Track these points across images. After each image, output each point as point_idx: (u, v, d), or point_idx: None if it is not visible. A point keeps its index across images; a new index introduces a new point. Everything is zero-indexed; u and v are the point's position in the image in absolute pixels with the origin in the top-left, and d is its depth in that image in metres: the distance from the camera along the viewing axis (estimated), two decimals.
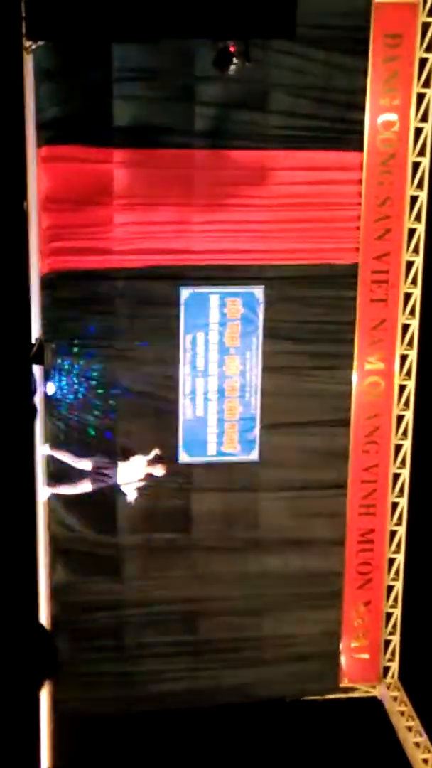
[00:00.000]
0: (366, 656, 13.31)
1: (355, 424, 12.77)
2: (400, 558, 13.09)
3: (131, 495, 11.78)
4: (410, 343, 12.63)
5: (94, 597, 12.56)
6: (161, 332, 12.22)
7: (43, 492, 11.96)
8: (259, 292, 12.31)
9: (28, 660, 5.23)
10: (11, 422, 7.53)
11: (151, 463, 11.74)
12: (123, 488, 11.79)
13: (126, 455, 11.78)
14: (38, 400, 11.55)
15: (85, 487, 11.79)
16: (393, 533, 13.08)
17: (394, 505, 13.02)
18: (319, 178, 12.11)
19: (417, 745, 12.60)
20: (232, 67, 10.10)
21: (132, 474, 11.71)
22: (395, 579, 13.16)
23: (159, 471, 11.75)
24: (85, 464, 11.76)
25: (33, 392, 10.71)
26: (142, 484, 11.78)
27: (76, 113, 11.44)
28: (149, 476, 11.77)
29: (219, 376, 12.47)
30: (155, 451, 11.75)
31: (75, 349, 11.96)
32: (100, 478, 11.71)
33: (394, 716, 13.07)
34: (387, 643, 13.33)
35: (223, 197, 11.98)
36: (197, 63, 11.35)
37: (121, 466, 11.71)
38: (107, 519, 12.34)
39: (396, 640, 13.30)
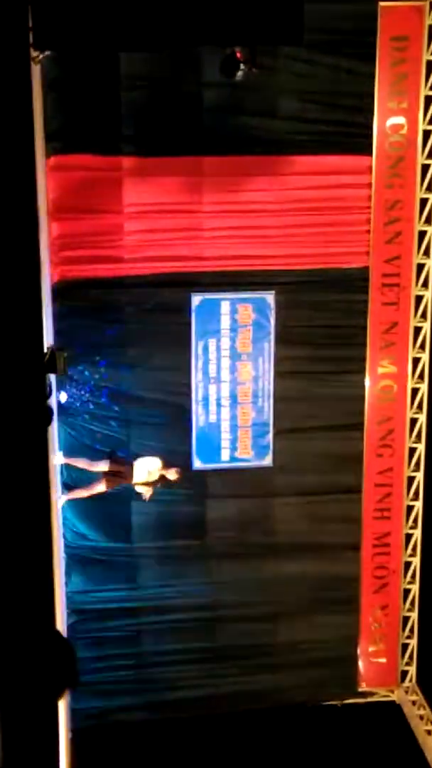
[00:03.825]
0: (383, 660, 13.28)
1: (369, 428, 12.75)
2: (416, 561, 13.06)
3: (147, 494, 11.68)
4: (422, 346, 12.61)
5: (110, 605, 12.56)
6: (173, 339, 12.23)
7: (58, 499, 11.97)
8: (270, 297, 12.31)
9: (48, 669, 5.22)
10: (26, 430, 7.53)
11: (165, 466, 11.71)
12: (137, 488, 11.72)
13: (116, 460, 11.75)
14: (52, 403, 11.54)
15: (99, 488, 11.74)
16: (408, 536, 13.05)
17: (409, 509, 12.98)
18: (329, 183, 12.12)
19: None
20: (239, 73, 10.10)
21: (146, 474, 11.65)
22: (412, 582, 13.13)
23: (172, 475, 11.70)
24: (102, 467, 11.72)
25: (48, 395, 10.72)
26: (156, 485, 11.73)
27: (84, 122, 11.46)
28: (163, 479, 11.73)
29: (231, 382, 12.47)
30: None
31: (87, 357, 11.97)
32: (115, 480, 11.67)
33: (413, 720, 13.02)
34: (404, 646, 13.29)
35: (232, 203, 11.99)
36: (204, 70, 11.37)
37: (137, 467, 11.65)
38: (122, 527, 12.35)
39: (413, 643, 13.26)
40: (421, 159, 12.19)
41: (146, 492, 11.67)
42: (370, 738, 12.41)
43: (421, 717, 12.97)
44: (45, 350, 11.21)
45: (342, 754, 12.11)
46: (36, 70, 11.08)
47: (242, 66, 10.04)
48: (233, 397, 12.50)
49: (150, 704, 12.76)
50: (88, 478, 11.86)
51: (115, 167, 11.67)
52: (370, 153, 12.11)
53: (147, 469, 11.65)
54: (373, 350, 12.57)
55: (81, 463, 11.87)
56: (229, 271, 12.17)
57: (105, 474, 11.69)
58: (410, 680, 13.32)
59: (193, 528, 12.58)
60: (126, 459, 11.76)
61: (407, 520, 13.00)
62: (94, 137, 11.53)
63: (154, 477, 11.67)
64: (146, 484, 11.65)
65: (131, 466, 11.61)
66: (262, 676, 12.97)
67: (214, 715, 12.73)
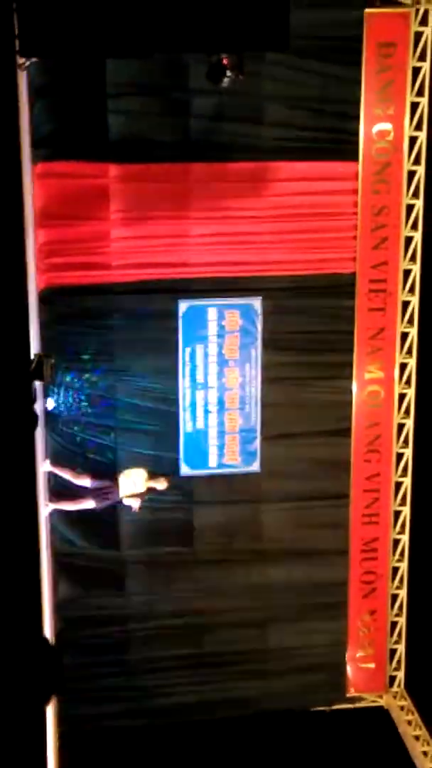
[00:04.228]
0: (372, 666, 13.28)
1: (356, 433, 12.76)
2: (404, 566, 13.07)
3: (134, 505, 11.73)
4: (409, 352, 12.64)
5: (98, 612, 12.54)
6: (160, 345, 12.22)
7: (45, 507, 11.96)
8: (257, 303, 12.31)
9: (35, 675, 5.21)
10: (12, 437, 7.54)
11: (152, 477, 11.74)
12: (125, 501, 11.76)
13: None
14: (39, 410, 11.53)
15: (88, 504, 11.78)
16: (396, 542, 13.07)
17: (397, 514, 13.00)
18: (315, 189, 12.12)
19: (425, 754, 12.58)
20: (226, 79, 10.12)
21: (133, 487, 11.69)
22: (399, 587, 13.14)
23: (161, 485, 11.75)
24: (85, 481, 11.74)
25: (33, 401, 10.71)
26: (144, 496, 11.76)
27: (71, 129, 11.46)
28: (151, 490, 11.76)
29: (219, 389, 12.47)
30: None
31: (74, 364, 11.96)
32: (103, 497, 11.71)
33: (402, 725, 13.04)
34: (393, 652, 13.30)
35: (219, 210, 11.99)
36: (191, 76, 11.38)
37: (122, 480, 11.69)
38: (109, 534, 12.33)
39: (402, 648, 13.27)
40: (407, 165, 12.22)
41: (135, 504, 11.70)
42: (358, 743, 12.40)
43: (410, 722, 12.98)
44: (32, 357, 11.22)
45: (331, 760, 12.12)
46: (22, 77, 11.10)
47: (229, 73, 10.05)
48: (221, 403, 12.50)
49: (139, 711, 12.73)
50: (76, 489, 11.85)
51: (102, 174, 11.67)
52: (356, 159, 12.13)
53: (133, 481, 11.67)
54: (360, 356, 12.59)
55: (66, 473, 11.87)
56: (216, 277, 12.17)
57: (92, 491, 11.71)
58: (398, 685, 13.33)
59: (181, 534, 12.56)
60: (109, 477, 11.75)
61: (395, 525, 13.02)
62: (81, 144, 11.53)
63: (142, 488, 11.70)
64: (134, 495, 11.68)
65: (116, 481, 11.64)
66: (250, 682, 12.96)
67: (202, 722, 12.71)
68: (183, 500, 12.51)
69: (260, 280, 12.26)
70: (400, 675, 13.33)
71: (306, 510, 12.78)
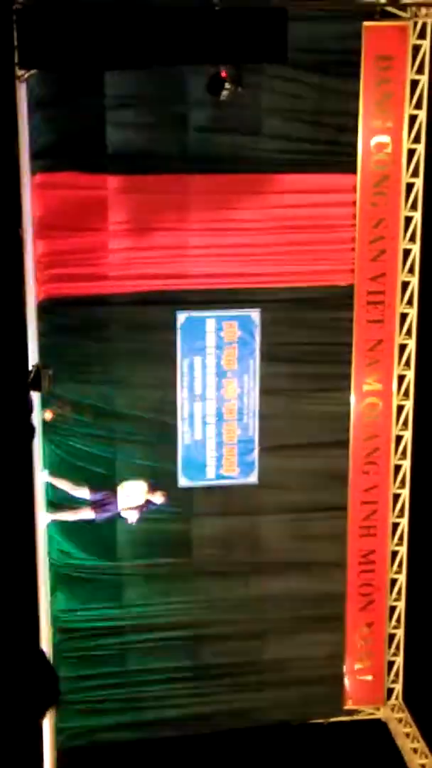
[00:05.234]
0: (369, 678, 13.25)
1: (354, 445, 12.75)
2: (402, 578, 13.06)
3: (132, 518, 11.75)
4: (408, 364, 12.64)
5: (96, 623, 12.52)
6: (158, 357, 12.23)
7: (43, 518, 11.95)
8: (255, 315, 12.32)
9: (30, 688, 5.20)
10: (10, 448, 7.54)
11: (151, 490, 11.74)
12: (123, 513, 11.77)
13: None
14: (36, 421, 11.52)
15: (87, 514, 11.78)
16: (394, 554, 13.05)
17: (395, 526, 12.99)
18: (314, 201, 12.14)
19: (423, 767, 12.54)
20: (225, 92, 10.16)
21: (131, 500, 11.70)
22: (397, 600, 13.12)
23: (158, 498, 11.76)
24: (83, 492, 11.75)
25: (31, 412, 10.71)
26: (143, 509, 11.76)
27: (70, 141, 11.47)
28: (149, 503, 11.77)
29: (217, 400, 12.47)
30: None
31: (72, 375, 11.95)
32: (103, 508, 11.73)
33: (399, 738, 13.01)
34: (390, 664, 13.28)
35: (218, 221, 12.01)
36: (190, 89, 11.41)
37: (121, 493, 11.70)
38: (107, 545, 12.32)
39: (399, 661, 13.25)
40: (405, 177, 12.24)
41: (133, 516, 11.71)
42: (356, 756, 12.37)
43: (408, 735, 12.95)
44: (30, 368, 11.23)
45: None
46: (22, 89, 11.13)
47: (227, 85, 10.10)
48: (219, 415, 12.50)
49: (136, 723, 12.71)
50: (74, 499, 11.84)
51: (101, 185, 11.68)
52: (354, 171, 12.15)
53: (132, 493, 11.68)
54: (358, 367, 12.59)
55: (64, 485, 11.87)
56: (214, 289, 12.18)
57: (91, 502, 11.73)
58: (396, 698, 13.30)
59: (178, 546, 12.55)
60: (107, 488, 11.76)
61: (393, 537, 13.00)
62: (79, 155, 11.55)
63: (140, 501, 11.70)
64: (133, 508, 11.69)
65: (114, 493, 11.65)
66: (247, 694, 12.95)
67: (200, 734, 12.68)
68: (181, 511, 12.49)
69: (258, 291, 12.27)
70: (398, 687, 13.30)
71: (304, 521, 12.77)
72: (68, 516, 11.93)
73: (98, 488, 11.79)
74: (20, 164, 11.17)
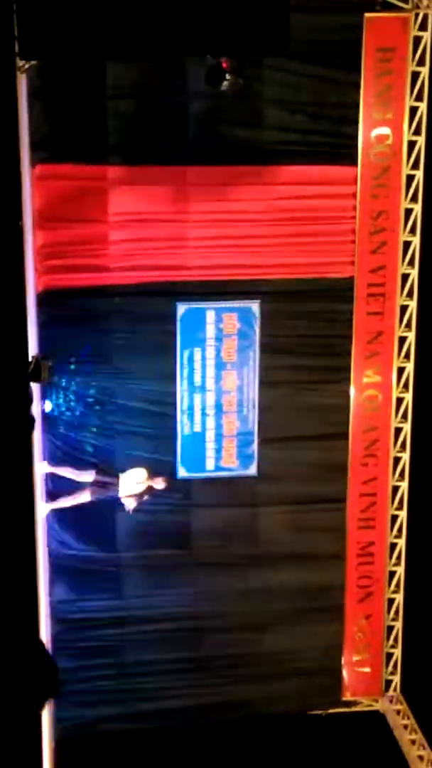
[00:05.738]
0: (368, 670, 13.27)
1: (354, 437, 12.75)
2: (401, 571, 13.06)
3: (130, 505, 11.72)
4: (407, 356, 12.64)
5: (94, 614, 12.53)
6: (158, 348, 12.22)
7: (42, 508, 11.95)
8: (255, 306, 12.31)
9: (29, 679, 5.21)
10: (9, 440, 7.53)
11: (151, 476, 11.72)
12: (123, 500, 11.75)
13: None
14: (36, 412, 11.52)
15: (84, 497, 11.76)
16: (393, 546, 13.06)
17: (394, 518, 12.99)
18: (314, 193, 12.13)
19: (421, 758, 12.55)
20: (225, 83, 10.13)
21: (133, 486, 11.68)
22: (396, 592, 13.13)
23: (160, 484, 11.73)
24: (87, 476, 11.72)
25: (30, 403, 10.71)
26: (143, 497, 11.74)
27: (70, 131, 11.46)
28: (150, 489, 11.75)
29: (216, 392, 12.47)
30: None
31: (72, 366, 11.95)
32: (100, 490, 11.68)
33: (397, 730, 13.02)
34: (389, 656, 13.29)
35: (218, 213, 12.00)
36: (190, 80, 11.38)
37: (122, 477, 11.67)
38: (106, 536, 12.32)
39: (398, 653, 13.26)
40: (405, 169, 12.22)
41: (131, 504, 11.70)
42: (354, 748, 12.38)
43: (405, 726, 12.96)
44: (30, 359, 11.23)
45: (326, 764, 12.10)
46: (22, 80, 11.12)
47: (228, 76, 10.07)
48: (218, 407, 12.49)
49: (134, 714, 12.71)
50: (73, 487, 11.84)
51: (101, 176, 11.68)
52: (355, 163, 12.13)
53: (134, 481, 11.67)
54: (357, 360, 12.59)
55: (66, 472, 11.85)
56: (214, 280, 12.17)
57: (92, 484, 11.70)
58: (394, 689, 13.32)
59: (177, 537, 12.55)
60: (113, 469, 11.76)
61: (392, 529, 13.00)
62: (79, 146, 11.53)
63: (141, 488, 11.69)
64: (133, 495, 11.67)
65: (117, 477, 11.63)
66: (246, 685, 12.95)
67: (198, 725, 12.70)
68: (180, 503, 12.50)
69: (258, 283, 12.26)
70: (396, 679, 13.32)
71: (303, 513, 12.78)
72: (66, 502, 11.89)
73: (102, 472, 11.74)
74: (20, 155, 11.15)
